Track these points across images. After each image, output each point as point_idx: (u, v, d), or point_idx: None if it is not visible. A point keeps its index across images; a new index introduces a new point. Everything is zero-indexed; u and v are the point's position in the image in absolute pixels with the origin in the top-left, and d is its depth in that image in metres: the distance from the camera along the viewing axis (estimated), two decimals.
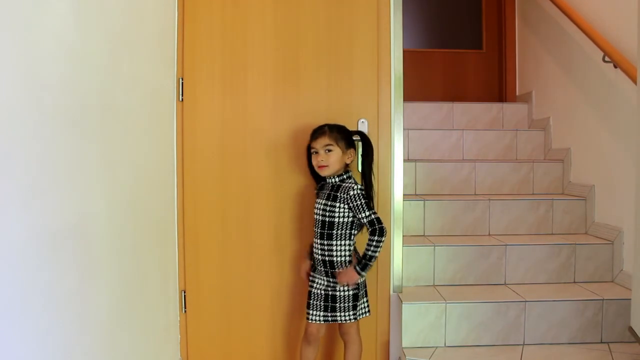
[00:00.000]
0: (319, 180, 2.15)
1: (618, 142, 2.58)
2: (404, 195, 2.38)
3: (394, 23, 2.34)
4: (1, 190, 1.10)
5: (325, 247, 2.03)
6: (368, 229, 2.00)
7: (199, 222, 2.34)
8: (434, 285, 2.53)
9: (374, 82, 2.34)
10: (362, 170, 2.16)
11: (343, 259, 2.03)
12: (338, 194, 2.03)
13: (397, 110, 2.34)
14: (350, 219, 2.03)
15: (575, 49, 3.03)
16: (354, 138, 2.12)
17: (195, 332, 2.37)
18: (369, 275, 2.36)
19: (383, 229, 1.99)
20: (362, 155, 2.15)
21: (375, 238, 1.98)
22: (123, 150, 1.76)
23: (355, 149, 2.11)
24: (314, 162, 2.04)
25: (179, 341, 2.36)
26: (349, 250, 2.05)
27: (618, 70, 2.51)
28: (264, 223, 2.34)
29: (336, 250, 2.03)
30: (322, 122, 2.14)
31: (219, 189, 2.34)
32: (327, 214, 2.03)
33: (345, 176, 2.06)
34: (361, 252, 2.03)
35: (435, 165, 3.09)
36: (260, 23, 2.33)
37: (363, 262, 1.99)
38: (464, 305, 2.28)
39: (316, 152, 2.03)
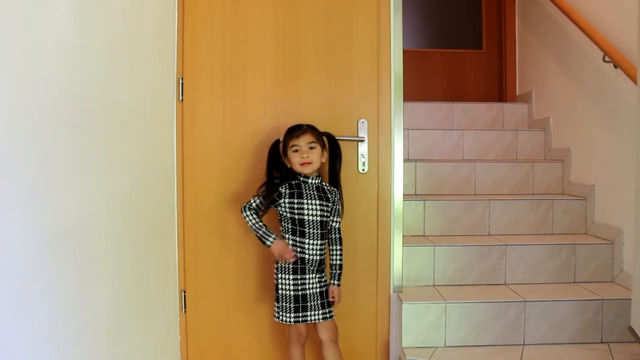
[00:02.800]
0: (285, 179, 2.05)
1: (618, 142, 2.58)
2: (404, 195, 2.38)
3: (394, 23, 2.34)
4: (1, 190, 1.10)
5: (320, 247, 2.05)
6: (336, 235, 2.11)
7: (199, 222, 2.34)
8: (434, 285, 2.53)
9: (374, 82, 2.34)
10: (332, 174, 2.11)
11: (325, 255, 2.10)
12: (326, 195, 2.06)
13: (397, 110, 2.35)
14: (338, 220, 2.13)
15: (575, 49, 3.03)
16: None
17: (195, 332, 2.37)
18: (368, 275, 2.37)
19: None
20: (331, 159, 2.11)
21: (342, 247, 2.12)
22: (123, 150, 1.76)
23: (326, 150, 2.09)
24: (297, 159, 2.00)
25: (179, 341, 2.36)
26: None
27: (618, 70, 2.51)
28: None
29: (325, 248, 2.08)
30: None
31: (219, 188, 2.34)
32: (325, 214, 2.06)
33: (321, 178, 2.08)
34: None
35: (435, 165, 3.10)
36: (260, 23, 2.33)
37: (338, 273, 2.10)
38: (464, 305, 2.28)
39: (297, 150, 2.01)
